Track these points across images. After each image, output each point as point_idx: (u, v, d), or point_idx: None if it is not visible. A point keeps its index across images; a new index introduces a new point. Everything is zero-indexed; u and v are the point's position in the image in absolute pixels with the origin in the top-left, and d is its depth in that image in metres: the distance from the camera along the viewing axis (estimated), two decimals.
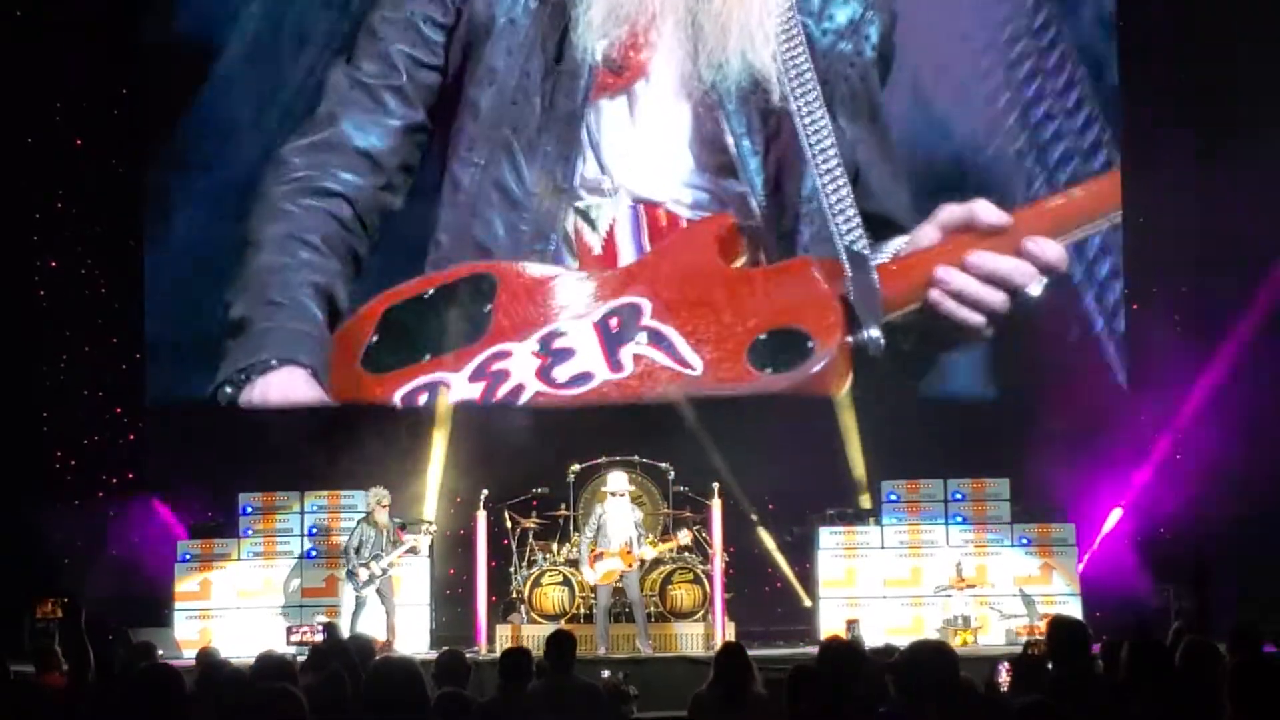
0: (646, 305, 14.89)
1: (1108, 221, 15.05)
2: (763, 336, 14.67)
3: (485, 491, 13.89)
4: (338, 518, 14.33)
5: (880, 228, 15.02)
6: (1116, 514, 14.85)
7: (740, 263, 15.12)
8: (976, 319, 14.65)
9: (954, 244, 14.79)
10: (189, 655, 10.64)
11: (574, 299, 15.00)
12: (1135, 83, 15.22)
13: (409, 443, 14.69)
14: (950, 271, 14.62)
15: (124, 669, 6.44)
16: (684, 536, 13.38)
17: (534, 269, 15.05)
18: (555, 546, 14.01)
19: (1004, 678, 7.73)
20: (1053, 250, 14.73)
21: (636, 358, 14.78)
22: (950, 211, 14.87)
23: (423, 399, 14.83)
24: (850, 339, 14.61)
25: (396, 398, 14.82)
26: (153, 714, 4.88)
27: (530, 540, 14.17)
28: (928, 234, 14.89)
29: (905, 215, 15.10)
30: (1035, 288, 14.64)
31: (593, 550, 13.03)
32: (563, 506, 14.23)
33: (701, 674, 7.09)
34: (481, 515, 13.77)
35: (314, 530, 14.40)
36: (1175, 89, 14.72)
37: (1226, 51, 14.36)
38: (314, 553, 14.31)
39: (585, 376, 14.77)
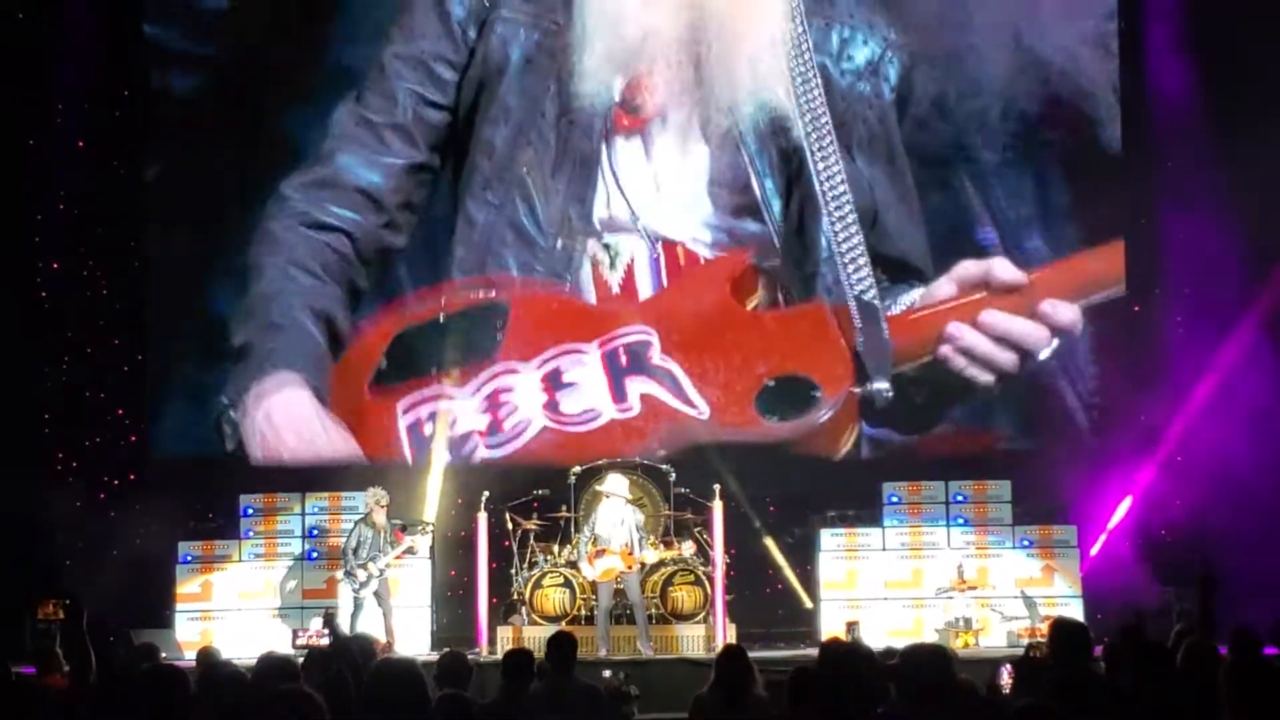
0: (655, 340, 14.93)
1: (1120, 287, 15.08)
2: (770, 383, 14.76)
3: (486, 493, 13.89)
4: (338, 519, 14.33)
5: (897, 271, 15.07)
6: (1126, 503, 14.78)
7: (754, 303, 15.17)
8: (986, 377, 14.72)
9: (969, 300, 14.84)
10: (190, 657, 10.62)
11: (584, 328, 15.02)
12: (1136, 82, 15.20)
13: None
14: (963, 328, 14.70)
15: (124, 670, 6.43)
16: (688, 549, 13.37)
17: (548, 295, 15.06)
18: (556, 548, 14.00)
19: (1006, 680, 7.74)
20: (1067, 313, 14.77)
21: (644, 397, 14.82)
22: (967, 268, 14.92)
23: (425, 411, 14.80)
24: (857, 390, 14.67)
25: (400, 408, 14.81)
26: (157, 715, 4.87)
27: (531, 542, 14.17)
28: (944, 289, 14.93)
29: (922, 260, 15.11)
30: (1046, 351, 14.73)
31: (592, 548, 13.04)
32: (564, 508, 14.23)
33: (702, 676, 7.09)
34: (482, 517, 13.77)
35: (314, 532, 14.39)
36: (1176, 88, 14.68)
37: (1229, 50, 14.34)
38: (314, 554, 14.30)
39: (592, 413, 14.82)
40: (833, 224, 14.72)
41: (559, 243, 14.98)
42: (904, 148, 15.12)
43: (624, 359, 14.90)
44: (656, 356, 14.85)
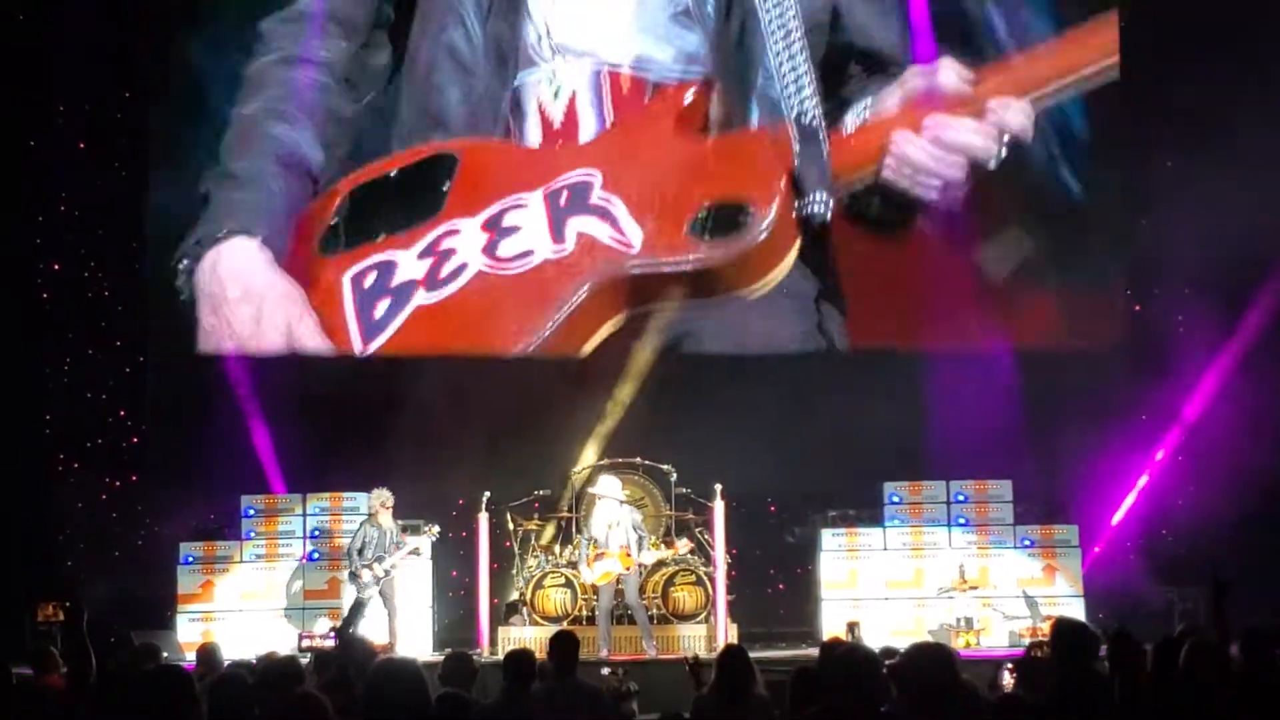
0: (597, 178, 14.64)
1: (1088, 74, 14.53)
2: (705, 207, 14.35)
3: (487, 494, 13.89)
4: (339, 519, 14.33)
5: (872, 64, 14.77)
6: (1129, 500, 14.72)
7: (700, 132, 14.77)
8: (930, 190, 14.26)
9: (915, 108, 14.38)
10: (191, 658, 10.61)
11: (530, 175, 14.82)
12: (1138, 83, 15.20)
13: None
14: (906, 138, 14.19)
15: (121, 671, 6.43)
16: (684, 545, 13.37)
17: (496, 146, 14.90)
18: (557, 549, 14.02)
19: (1007, 680, 7.73)
20: (1016, 114, 14.18)
21: (580, 235, 14.53)
22: (913, 75, 14.50)
23: (370, 279, 14.68)
24: (796, 210, 14.24)
25: (346, 279, 14.71)
26: (162, 715, 4.86)
27: (532, 542, 14.17)
28: (891, 97, 14.53)
29: (896, 49, 14.75)
30: (993, 161, 14.18)
31: (592, 551, 13.03)
32: (565, 509, 14.23)
33: (708, 674, 7.07)
34: (483, 518, 13.76)
35: (316, 533, 14.39)
36: (1178, 86, 14.64)
37: (1230, 49, 14.33)
38: (316, 555, 14.30)
39: (527, 254, 14.59)
40: (774, 42, 14.34)
41: (495, 67, 14.83)
42: None
43: (564, 199, 14.68)
44: (597, 194, 14.62)
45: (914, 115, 14.37)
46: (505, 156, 14.95)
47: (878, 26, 14.81)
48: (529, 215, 14.68)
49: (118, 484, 15.32)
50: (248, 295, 14.60)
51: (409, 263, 14.68)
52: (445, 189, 14.77)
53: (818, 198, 14.20)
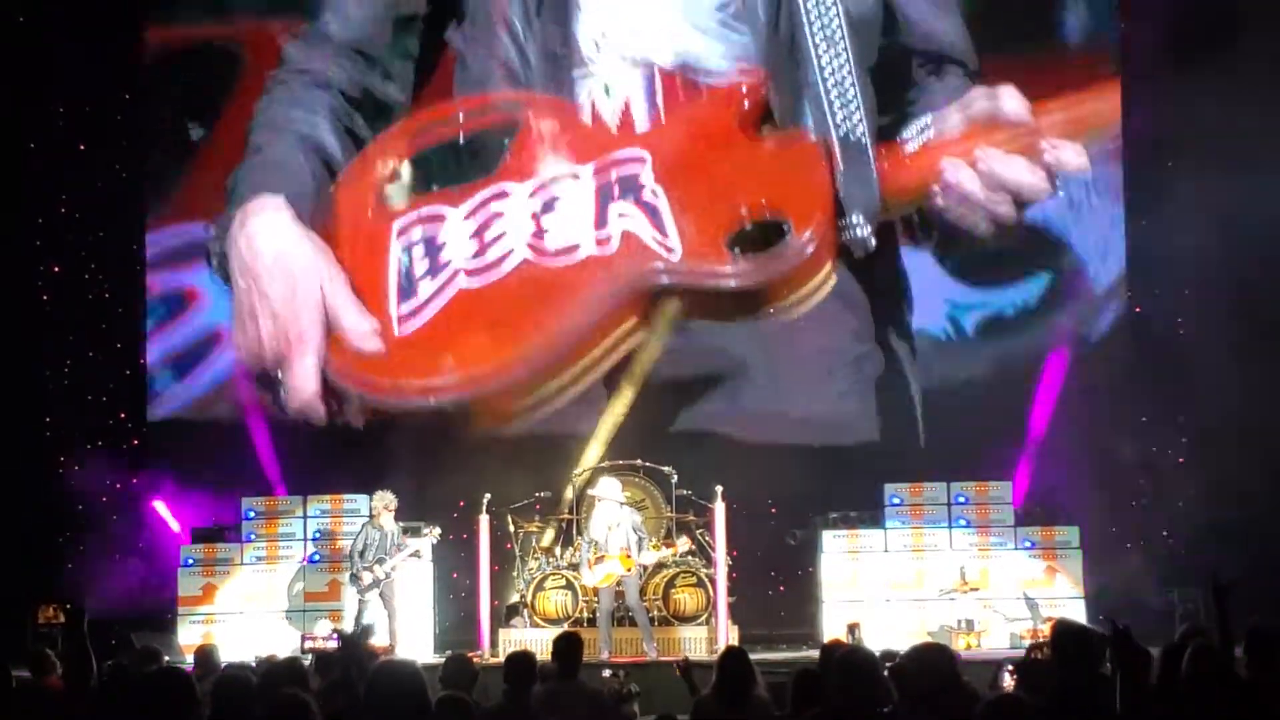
0: (648, 161, 14.45)
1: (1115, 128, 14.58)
2: (747, 226, 14.06)
3: (488, 496, 13.89)
4: (340, 521, 14.32)
5: (937, 64, 14.65)
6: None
7: (760, 131, 14.57)
8: (981, 221, 14.07)
9: (973, 134, 14.15)
10: (192, 660, 10.62)
11: (586, 146, 14.71)
12: (1141, 82, 15.21)
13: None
14: (957, 166, 14.00)
15: (122, 673, 6.42)
16: (683, 544, 13.38)
17: (561, 106, 14.82)
18: (558, 551, 14.01)
19: (1008, 681, 7.72)
20: (1070, 155, 14.04)
21: (624, 233, 14.33)
22: (976, 97, 14.29)
23: (416, 238, 14.54)
24: (843, 237, 14.04)
25: (394, 232, 14.58)
26: (163, 717, 4.86)
27: (533, 544, 14.17)
28: (952, 117, 14.32)
29: (960, 49, 14.65)
30: (1046, 199, 14.05)
31: (593, 554, 13.03)
32: (566, 511, 14.22)
33: (704, 678, 7.08)
34: (484, 519, 13.76)
35: (317, 535, 14.38)
36: (1180, 90, 14.63)
37: (1233, 48, 14.32)
38: (317, 557, 14.29)
39: (572, 249, 14.41)
40: (818, 54, 14.20)
41: (547, 75, 14.84)
42: None
43: (615, 187, 14.50)
44: (645, 183, 14.41)
45: (970, 141, 14.15)
46: (568, 119, 14.83)
47: (937, 22, 14.67)
48: (577, 191, 14.46)
49: (119, 486, 15.31)
50: (281, 262, 14.47)
51: (456, 229, 14.48)
52: (505, 150, 14.69)
53: (858, 221, 13.98)
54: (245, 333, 14.61)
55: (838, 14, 14.30)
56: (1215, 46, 14.05)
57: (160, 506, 14.74)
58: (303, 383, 14.26)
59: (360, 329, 14.20)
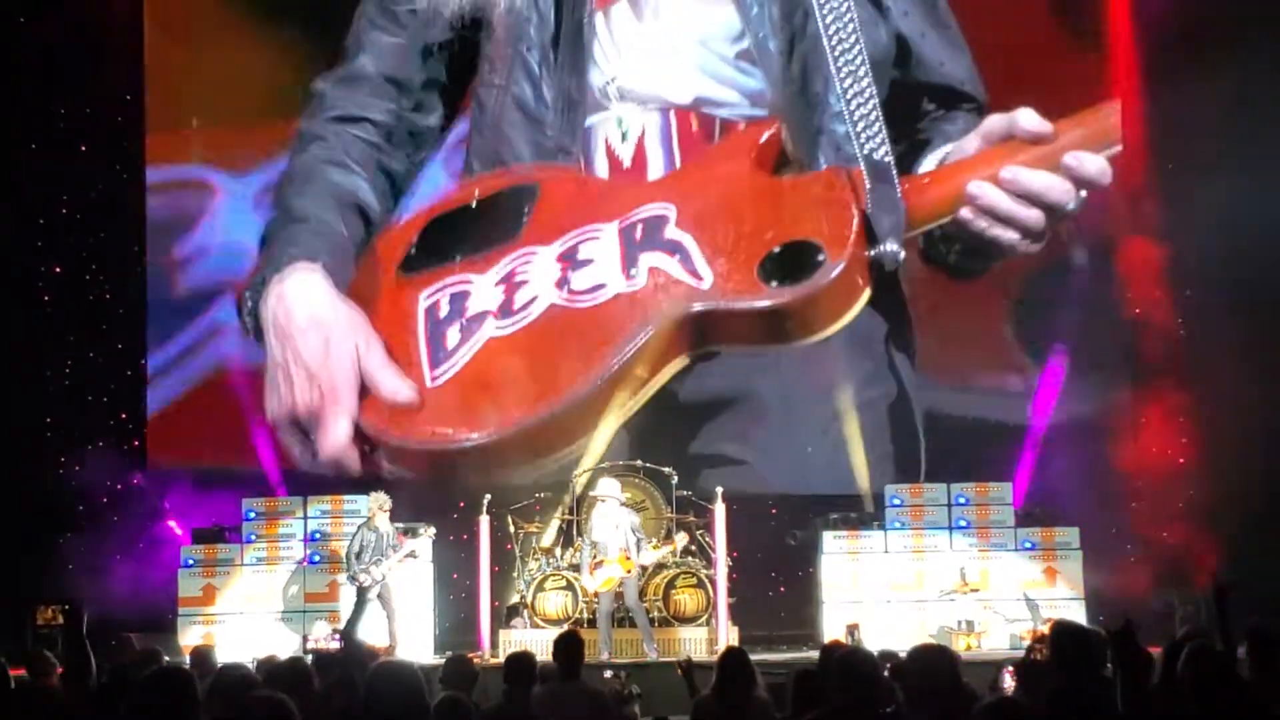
0: (672, 214, 14.40)
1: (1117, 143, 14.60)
2: (776, 250, 13.96)
3: (488, 496, 13.89)
4: (340, 523, 14.31)
5: (947, 99, 14.78)
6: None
7: (777, 174, 14.61)
8: (1010, 236, 14.07)
9: (993, 155, 14.19)
10: (189, 661, 10.63)
11: (606, 206, 14.69)
12: (1145, 84, 15.21)
13: None
14: (983, 186, 13.98)
15: (122, 673, 6.42)
16: (680, 539, 13.39)
17: (575, 177, 14.89)
18: (558, 552, 14.01)
19: (1008, 682, 7.72)
20: (1093, 164, 14.05)
21: (652, 270, 14.22)
22: (993, 121, 14.37)
23: (445, 296, 14.48)
24: (869, 253, 13.93)
25: (420, 303, 14.50)
26: (163, 718, 4.85)
27: (533, 545, 14.16)
28: (971, 144, 14.40)
29: (970, 84, 14.78)
30: (1073, 204, 14.03)
31: (594, 558, 13.03)
32: (566, 512, 14.22)
33: (704, 678, 7.07)
34: (484, 520, 13.76)
35: (316, 536, 14.38)
36: (1190, 93, 14.63)
37: (1242, 54, 14.32)
38: (316, 558, 14.29)
39: (599, 288, 14.33)
40: (842, 80, 14.17)
41: (564, 119, 14.83)
42: None
43: (639, 233, 14.45)
44: (670, 230, 14.36)
45: (992, 164, 14.16)
46: (583, 187, 14.93)
47: (950, 60, 14.79)
48: (602, 247, 14.44)
49: (119, 487, 15.31)
50: (315, 322, 14.36)
51: (484, 289, 14.47)
52: (526, 215, 14.66)
53: (889, 246, 13.92)
54: (278, 393, 14.46)
55: (858, 39, 14.29)
56: (1215, 47, 14.07)
57: (173, 525, 14.70)
58: (336, 435, 14.13)
59: (394, 386, 14.10)
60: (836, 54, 14.20)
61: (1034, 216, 14.00)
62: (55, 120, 15.42)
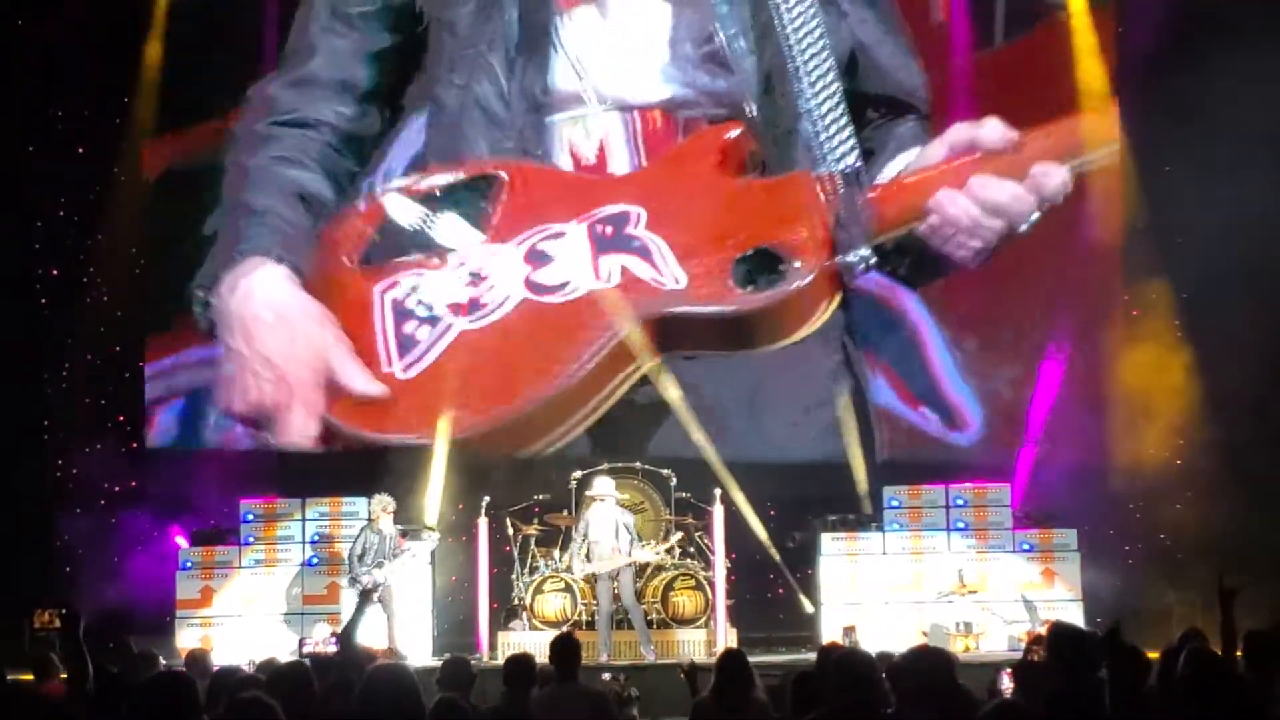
0: (640, 215, 14.37)
1: (1105, 152, 14.60)
2: (748, 253, 13.97)
3: (487, 498, 13.89)
4: (339, 524, 14.31)
5: (893, 109, 14.80)
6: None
7: (744, 175, 14.60)
8: (970, 247, 14.08)
9: (960, 164, 14.18)
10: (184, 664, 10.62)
11: (572, 203, 14.64)
12: (1138, 85, 15.20)
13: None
14: (952, 198, 13.96)
15: (119, 678, 6.42)
16: (675, 537, 13.39)
17: (541, 171, 14.82)
18: (557, 553, 14.01)
19: (1006, 684, 7.71)
20: (1056, 178, 14.02)
21: (623, 269, 14.22)
22: (959, 130, 14.37)
23: (407, 298, 14.36)
24: (838, 260, 14.01)
25: (380, 296, 14.40)
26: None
27: (532, 547, 14.17)
28: (936, 152, 14.41)
29: (917, 94, 14.81)
30: (1025, 225, 14.04)
31: (584, 549, 13.06)
32: (565, 513, 14.22)
33: (707, 681, 7.07)
34: (483, 522, 13.76)
35: (315, 538, 14.37)
36: (1177, 89, 14.62)
37: (1229, 51, 14.31)
38: (316, 560, 14.28)
39: (567, 285, 14.26)
40: (809, 86, 14.23)
41: (526, 120, 14.81)
42: None
43: (609, 232, 14.41)
44: (639, 231, 14.32)
45: (960, 174, 14.11)
46: (551, 180, 14.85)
47: (900, 71, 14.81)
48: (570, 244, 14.39)
49: (116, 489, 15.30)
50: (279, 316, 14.29)
51: (449, 282, 14.41)
52: (490, 209, 14.62)
53: (859, 252, 13.99)
54: (238, 386, 14.37)
55: (825, 42, 14.34)
56: (1214, 47, 14.07)
57: (180, 541, 14.68)
58: (299, 429, 14.13)
59: (365, 383, 14.04)
60: (805, 56, 14.28)
61: (996, 228, 14.01)
62: (53, 122, 15.42)
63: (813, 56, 14.31)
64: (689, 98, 14.84)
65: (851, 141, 14.25)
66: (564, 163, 14.94)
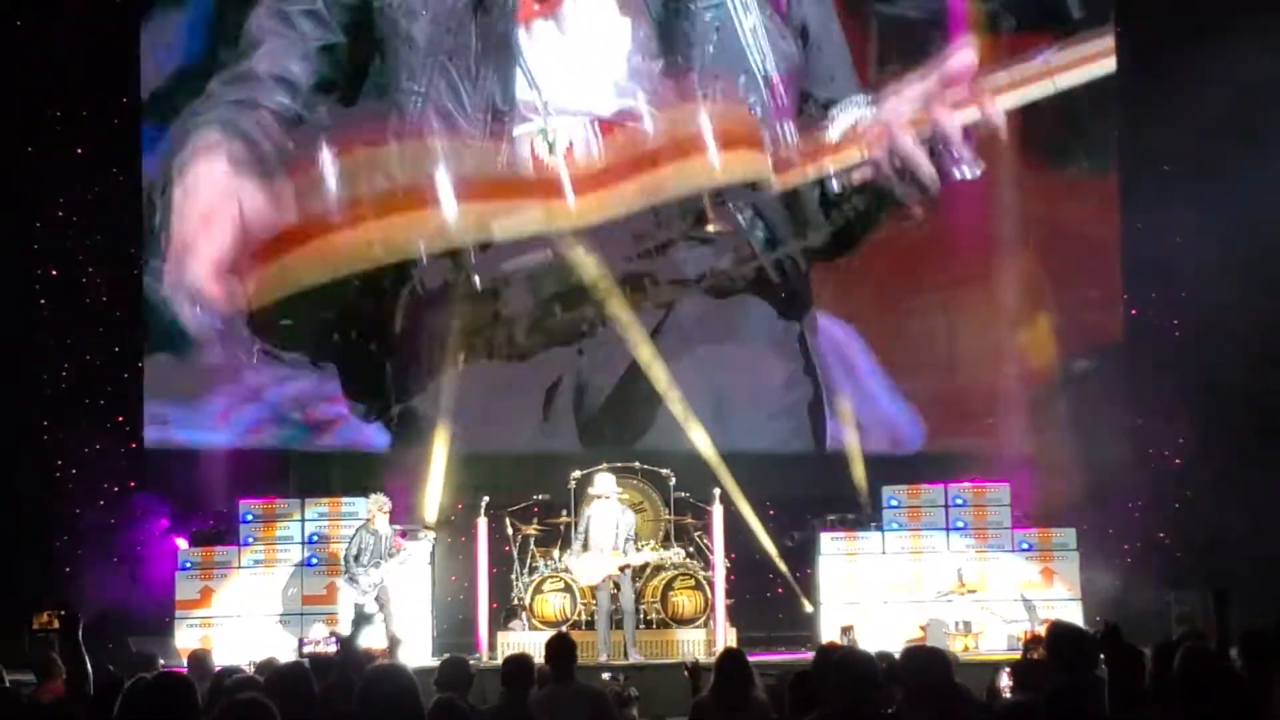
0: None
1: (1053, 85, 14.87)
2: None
3: (486, 498, 13.89)
4: (338, 525, 14.30)
5: (827, 106, 15.15)
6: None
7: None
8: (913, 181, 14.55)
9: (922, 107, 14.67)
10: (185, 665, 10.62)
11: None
12: (1135, 86, 15.23)
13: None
14: (905, 131, 14.55)
15: (114, 679, 6.42)
16: (675, 555, 13.37)
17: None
18: (556, 553, 14.00)
19: (1005, 684, 7.72)
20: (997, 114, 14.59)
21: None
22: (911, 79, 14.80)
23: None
24: (773, 256, 14.90)
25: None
26: None
27: (531, 547, 14.17)
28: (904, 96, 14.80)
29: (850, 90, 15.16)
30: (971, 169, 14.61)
31: (583, 548, 13.05)
32: (564, 513, 14.22)
33: (705, 679, 7.08)
34: (482, 522, 13.76)
35: (314, 538, 14.37)
36: (1175, 94, 14.64)
37: (1227, 55, 14.33)
38: (314, 560, 14.28)
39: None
40: (760, 93, 14.80)
41: (487, 129, 15.07)
42: None
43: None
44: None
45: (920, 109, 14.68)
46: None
47: (839, 75, 15.20)
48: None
49: (115, 489, 15.30)
50: (211, 166, 14.84)
51: None
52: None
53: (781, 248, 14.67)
54: (169, 229, 15.03)
55: (769, 51, 14.92)
56: (1212, 46, 14.09)
57: (180, 541, 14.69)
58: (204, 260, 14.80)
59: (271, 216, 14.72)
60: (754, 65, 14.76)
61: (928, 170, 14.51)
62: (52, 123, 15.43)
63: (761, 62, 14.78)
64: (646, 109, 15.15)
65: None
66: (524, 171, 15.19)
